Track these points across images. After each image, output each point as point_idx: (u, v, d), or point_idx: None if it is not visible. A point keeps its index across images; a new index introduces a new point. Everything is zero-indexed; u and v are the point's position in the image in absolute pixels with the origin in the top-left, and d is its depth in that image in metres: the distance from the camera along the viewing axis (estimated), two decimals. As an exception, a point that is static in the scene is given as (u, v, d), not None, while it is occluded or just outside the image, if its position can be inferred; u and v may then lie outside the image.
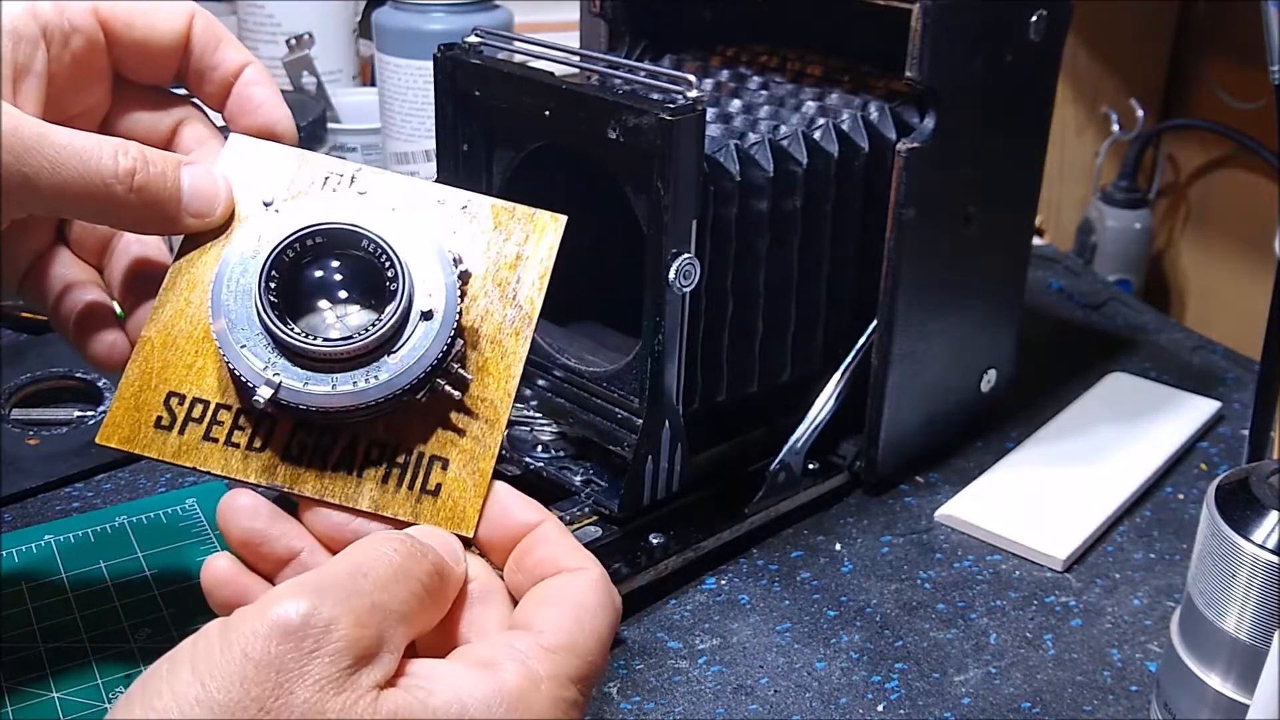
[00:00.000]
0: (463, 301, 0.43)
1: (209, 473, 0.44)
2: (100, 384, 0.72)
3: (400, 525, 0.42)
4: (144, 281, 0.49)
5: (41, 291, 0.50)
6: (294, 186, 0.46)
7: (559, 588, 0.38)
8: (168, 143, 0.50)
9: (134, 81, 0.49)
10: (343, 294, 0.43)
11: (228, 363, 0.42)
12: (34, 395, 0.72)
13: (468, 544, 0.42)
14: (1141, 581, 0.61)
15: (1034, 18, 0.62)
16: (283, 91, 0.56)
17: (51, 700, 0.51)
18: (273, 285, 0.42)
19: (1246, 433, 0.64)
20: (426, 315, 0.42)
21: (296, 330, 0.41)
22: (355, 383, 0.41)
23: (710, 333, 0.59)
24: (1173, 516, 0.66)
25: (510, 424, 0.58)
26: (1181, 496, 0.68)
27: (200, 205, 0.45)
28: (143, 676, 0.33)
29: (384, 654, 0.34)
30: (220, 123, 0.51)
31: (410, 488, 0.43)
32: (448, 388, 0.43)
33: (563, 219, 0.46)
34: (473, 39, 0.60)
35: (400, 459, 0.43)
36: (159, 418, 0.44)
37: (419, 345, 0.42)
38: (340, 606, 0.33)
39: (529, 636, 0.36)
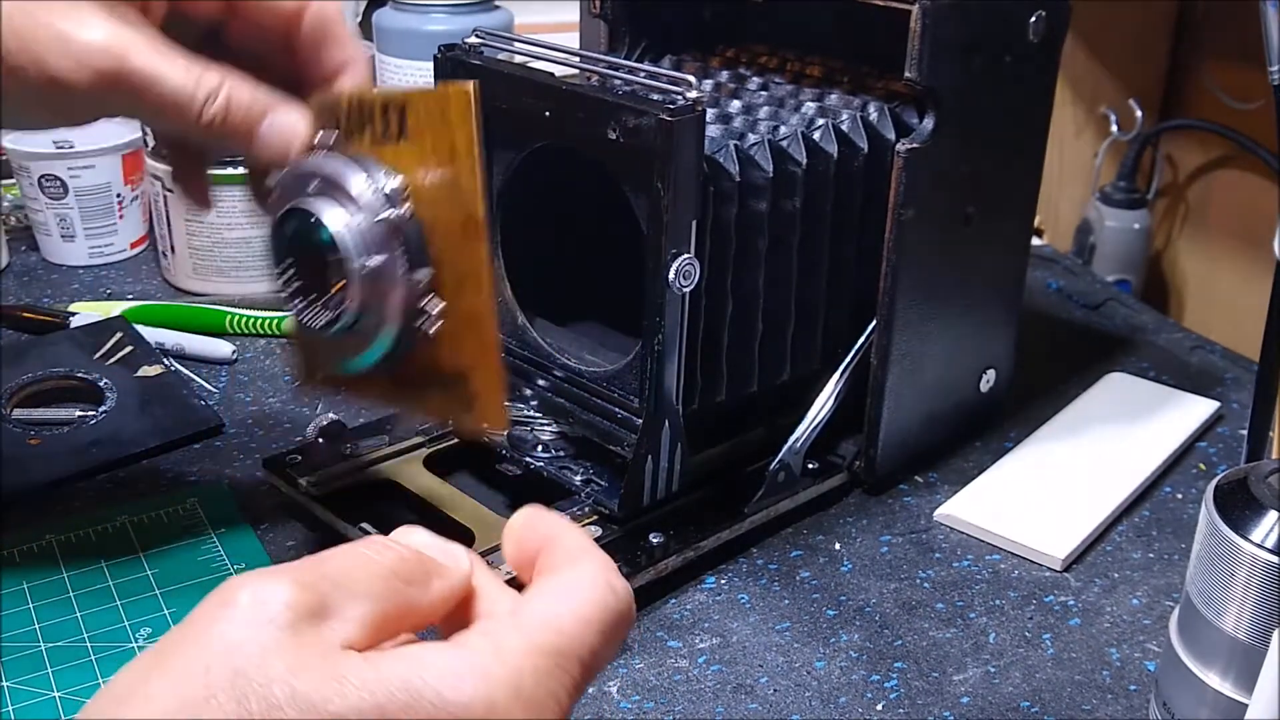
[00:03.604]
0: (408, 217, 0.47)
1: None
2: (101, 384, 0.72)
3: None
4: None
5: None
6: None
7: (553, 575, 0.37)
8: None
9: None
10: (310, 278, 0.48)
11: None
12: (34, 395, 0.72)
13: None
14: (1140, 581, 0.61)
15: (1033, 18, 0.63)
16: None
17: (52, 700, 0.51)
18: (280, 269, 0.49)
19: (1245, 433, 0.64)
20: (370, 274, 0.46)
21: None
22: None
23: (710, 333, 0.59)
24: (1171, 516, 0.66)
25: (510, 424, 0.59)
26: (1180, 496, 0.68)
27: (275, 147, 0.49)
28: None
29: (334, 620, 0.33)
30: None
31: (455, 395, 0.48)
32: (427, 329, 0.47)
33: (470, 85, 0.45)
34: (473, 40, 0.60)
35: (432, 379, 0.48)
36: None
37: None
38: (285, 575, 0.33)
39: (506, 617, 0.35)
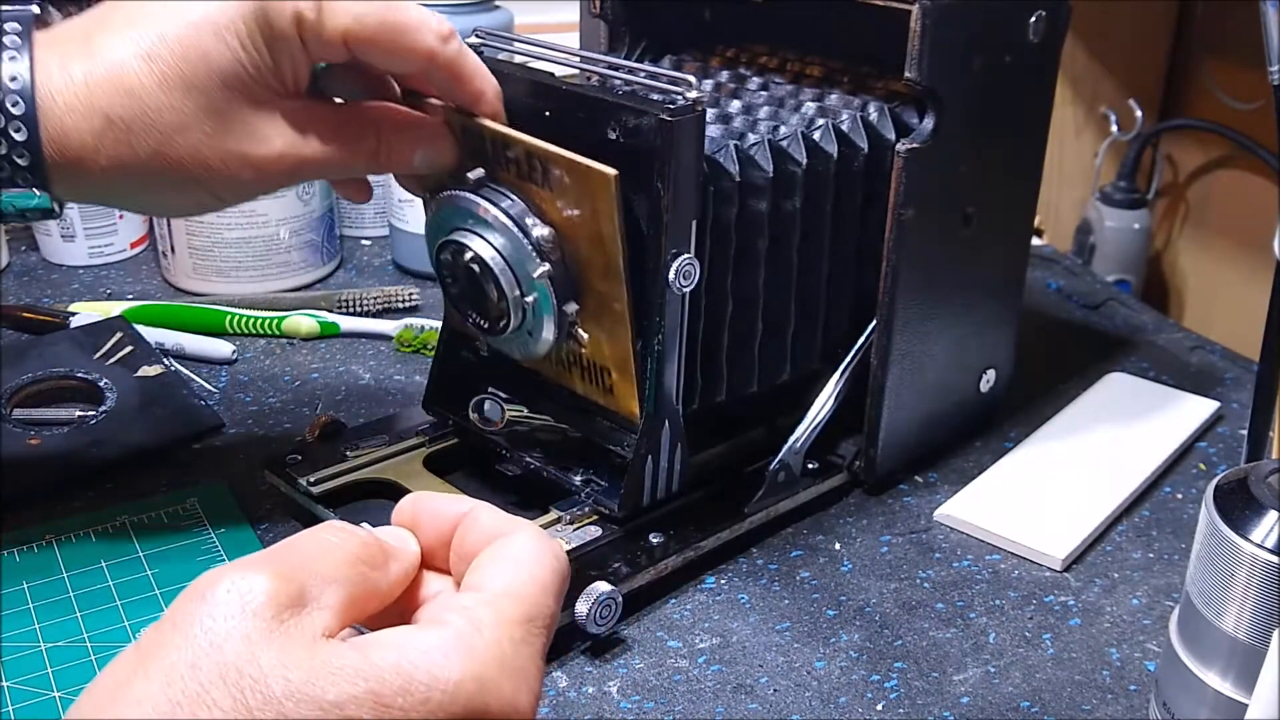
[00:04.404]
0: (549, 263, 0.53)
1: None
2: (101, 384, 0.72)
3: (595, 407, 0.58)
4: None
5: None
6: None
7: (494, 550, 0.38)
8: None
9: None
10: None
11: None
12: (35, 395, 0.72)
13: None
14: (1140, 581, 0.61)
15: (1033, 18, 0.63)
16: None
17: (52, 700, 0.51)
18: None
19: (1245, 432, 0.64)
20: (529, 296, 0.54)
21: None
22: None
23: (710, 333, 0.59)
24: (1171, 516, 0.66)
25: (510, 424, 0.59)
26: (1180, 496, 0.68)
27: (427, 171, 0.56)
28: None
29: (313, 607, 0.34)
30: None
31: (597, 385, 0.57)
32: (575, 340, 0.56)
33: (612, 172, 0.51)
34: (473, 40, 0.60)
35: (585, 364, 0.57)
36: None
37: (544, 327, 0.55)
38: (262, 567, 0.34)
39: (471, 593, 0.36)
